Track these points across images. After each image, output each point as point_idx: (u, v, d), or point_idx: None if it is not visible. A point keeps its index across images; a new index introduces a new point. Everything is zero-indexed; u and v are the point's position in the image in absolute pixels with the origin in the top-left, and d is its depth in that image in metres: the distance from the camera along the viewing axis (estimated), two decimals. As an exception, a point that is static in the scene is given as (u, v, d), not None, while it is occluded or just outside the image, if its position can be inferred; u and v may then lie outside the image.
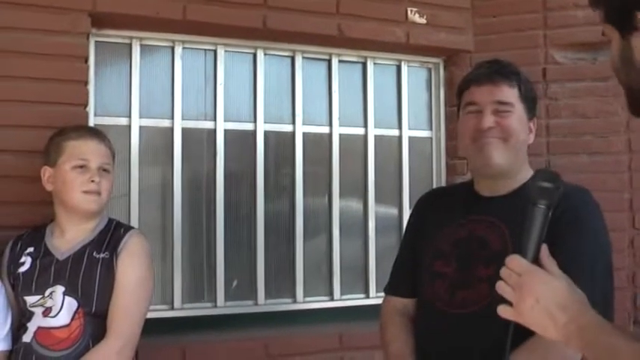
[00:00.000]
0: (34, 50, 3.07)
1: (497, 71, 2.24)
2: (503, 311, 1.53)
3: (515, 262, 1.53)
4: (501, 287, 1.53)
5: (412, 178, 4.09)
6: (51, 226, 2.76)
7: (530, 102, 2.26)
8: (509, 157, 2.18)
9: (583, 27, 3.78)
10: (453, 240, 2.26)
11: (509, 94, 2.20)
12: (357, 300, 3.92)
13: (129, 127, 3.48)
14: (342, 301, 3.89)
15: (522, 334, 1.92)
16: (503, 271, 1.53)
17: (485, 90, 2.21)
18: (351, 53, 3.96)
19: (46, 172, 2.71)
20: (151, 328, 2.82)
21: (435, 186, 4.07)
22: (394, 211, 4.08)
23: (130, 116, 3.49)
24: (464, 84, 2.32)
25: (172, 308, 3.54)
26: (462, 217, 2.27)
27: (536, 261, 1.53)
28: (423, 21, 3.85)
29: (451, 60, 4.07)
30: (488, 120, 2.18)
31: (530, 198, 1.58)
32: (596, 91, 3.80)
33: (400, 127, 4.08)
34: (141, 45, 3.53)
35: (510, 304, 1.51)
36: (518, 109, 2.21)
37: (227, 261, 3.65)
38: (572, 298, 1.48)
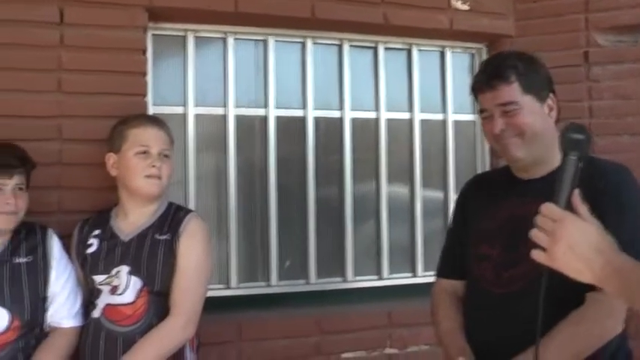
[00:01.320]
0: (96, 45, 3.18)
1: (493, 73, 2.24)
2: (536, 255, 1.54)
3: (548, 209, 1.54)
4: (536, 234, 1.54)
5: (457, 160, 4.14)
6: (115, 209, 2.89)
7: (537, 86, 2.24)
8: (532, 149, 2.21)
9: (624, 10, 3.80)
10: (496, 223, 2.30)
11: (510, 93, 2.20)
12: (404, 279, 3.99)
13: (185, 115, 3.59)
14: (391, 280, 3.96)
15: (565, 307, 2.02)
16: (538, 219, 1.55)
17: (488, 96, 2.23)
18: (396, 40, 4.00)
19: (111, 159, 2.84)
20: (210, 305, 2.93)
21: (479, 168, 4.12)
22: (440, 192, 4.12)
23: (185, 105, 3.59)
24: (471, 92, 2.35)
25: (229, 287, 3.65)
26: (504, 200, 2.32)
27: (569, 209, 1.55)
28: (466, 7, 3.88)
29: (493, 45, 4.08)
30: (498, 124, 2.21)
31: (562, 150, 1.62)
32: (638, 72, 3.80)
33: (445, 112, 4.13)
34: (195, 37, 3.63)
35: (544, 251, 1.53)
36: (525, 102, 2.20)
37: (280, 242, 3.75)
38: (606, 242, 1.51)
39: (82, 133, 3.14)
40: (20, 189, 2.63)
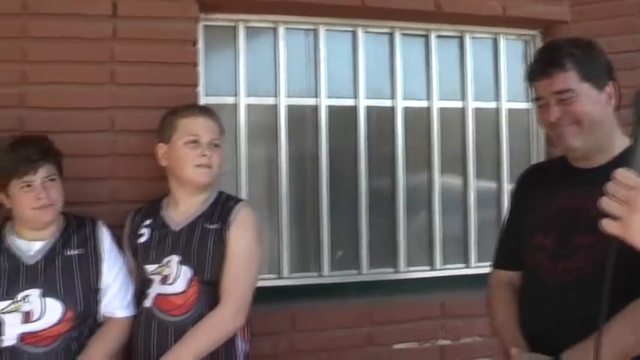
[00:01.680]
0: (147, 36, 3.20)
1: (548, 61, 2.20)
2: (607, 225, 1.44)
3: (624, 174, 1.44)
4: (607, 202, 1.44)
5: (511, 149, 4.08)
6: (166, 199, 2.91)
7: (595, 74, 2.19)
8: (589, 138, 2.16)
9: (682, -7, 3.67)
10: (551, 212, 2.27)
11: (566, 81, 2.15)
12: (457, 270, 3.96)
13: (236, 105, 3.60)
14: (443, 270, 3.93)
15: (623, 299, 1.95)
16: (610, 186, 1.45)
17: (543, 84, 2.20)
18: (448, 28, 3.96)
19: (161, 149, 2.85)
20: (262, 295, 2.96)
21: (533, 157, 4.06)
22: (493, 182, 4.08)
23: (237, 95, 3.61)
24: (526, 79, 2.31)
25: (281, 277, 3.66)
26: (560, 190, 2.28)
27: None
28: (519, -7, 3.81)
29: (548, 31, 3.99)
30: (554, 112, 2.17)
31: (636, 116, 1.54)
32: (695, 57, 3.66)
33: (498, 100, 4.07)
34: (246, 27, 3.63)
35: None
36: (582, 89, 2.15)
37: (332, 233, 3.75)
38: None
39: (135, 124, 3.16)
40: (52, 180, 2.63)
